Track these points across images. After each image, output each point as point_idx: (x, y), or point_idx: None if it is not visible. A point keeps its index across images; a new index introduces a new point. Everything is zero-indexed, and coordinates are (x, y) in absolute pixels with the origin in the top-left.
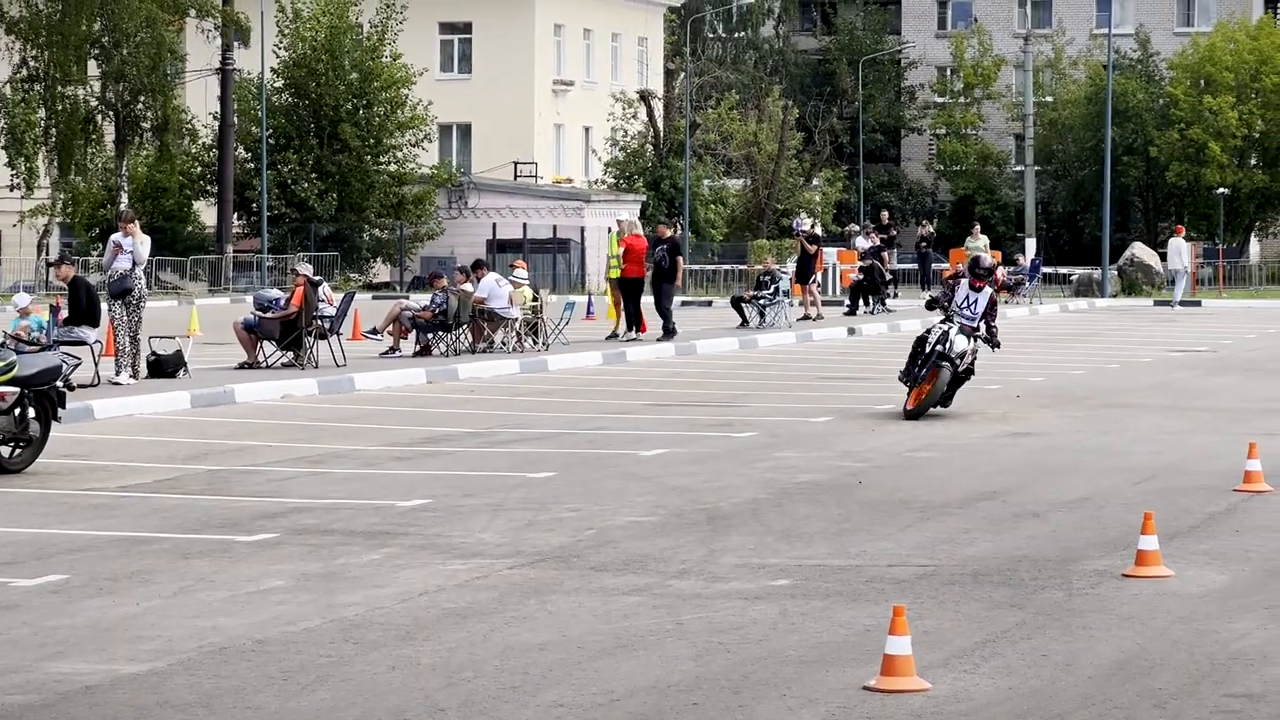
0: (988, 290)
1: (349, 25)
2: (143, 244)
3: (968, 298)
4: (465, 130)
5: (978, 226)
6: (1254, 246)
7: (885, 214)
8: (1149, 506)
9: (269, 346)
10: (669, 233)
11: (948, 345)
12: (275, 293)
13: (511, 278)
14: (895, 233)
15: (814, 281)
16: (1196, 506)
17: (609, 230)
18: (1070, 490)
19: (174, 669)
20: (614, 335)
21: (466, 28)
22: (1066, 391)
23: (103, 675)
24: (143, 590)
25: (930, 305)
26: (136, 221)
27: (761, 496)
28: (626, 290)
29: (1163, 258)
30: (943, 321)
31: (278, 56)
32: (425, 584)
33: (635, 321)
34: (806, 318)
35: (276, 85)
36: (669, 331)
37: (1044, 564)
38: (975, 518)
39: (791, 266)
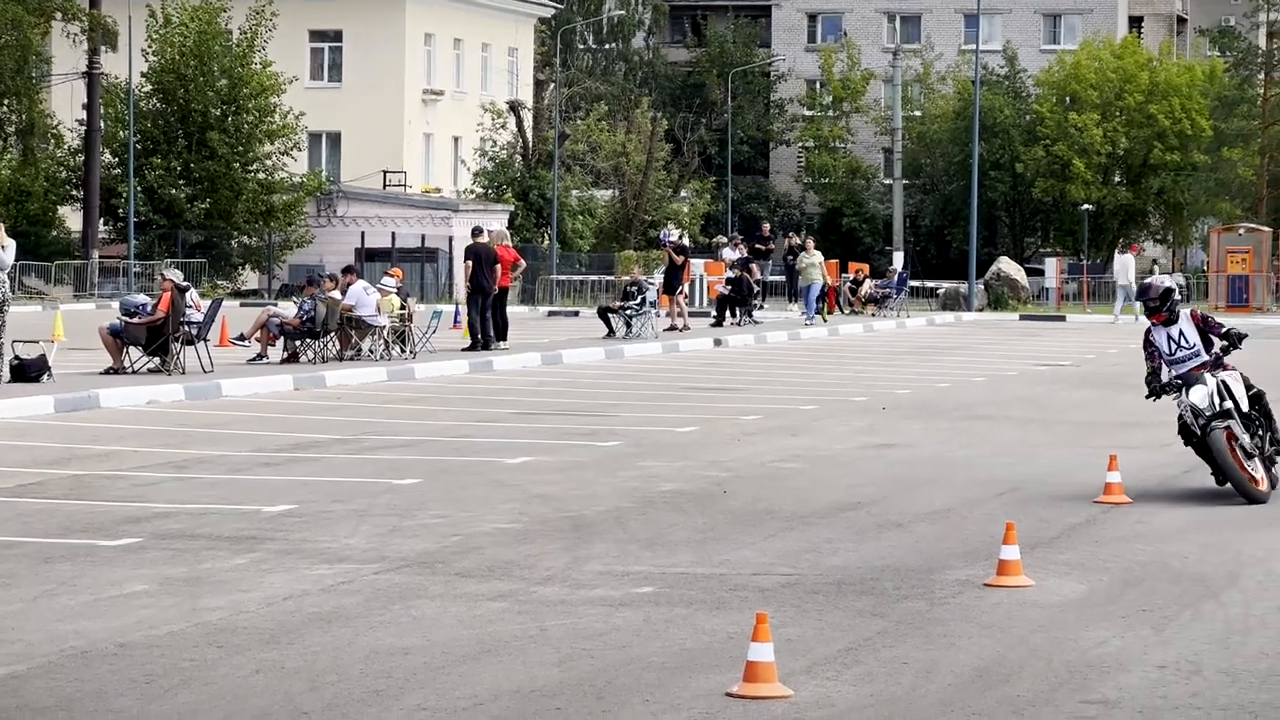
0: (1180, 311)
1: (218, 31)
2: (6, 248)
3: (1171, 338)
4: (335, 139)
5: (810, 241)
6: (1117, 262)
7: (767, 226)
8: (1011, 517)
9: (135, 352)
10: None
11: (1219, 401)
12: (142, 298)
13: (380, 285)
14: (772, 246)
15: (681, 292)
16: (1057, 518)
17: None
18: (933, 501)
19: (34, 672)
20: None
21: (337, 36)
22: (931, 404)
23: None
24: (3, 594)
25: (1155, 393)
26: (0, 225)
27: (626, 505)
28: (497, 300)
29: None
30: (1178, 391)
31: (146, 61)
32: (290, 589)
33: (501, 332)
34: (674, 328)
35: (144, 90)
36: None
37: (907, 573)
38: (839, 528)
39: (659, 277)
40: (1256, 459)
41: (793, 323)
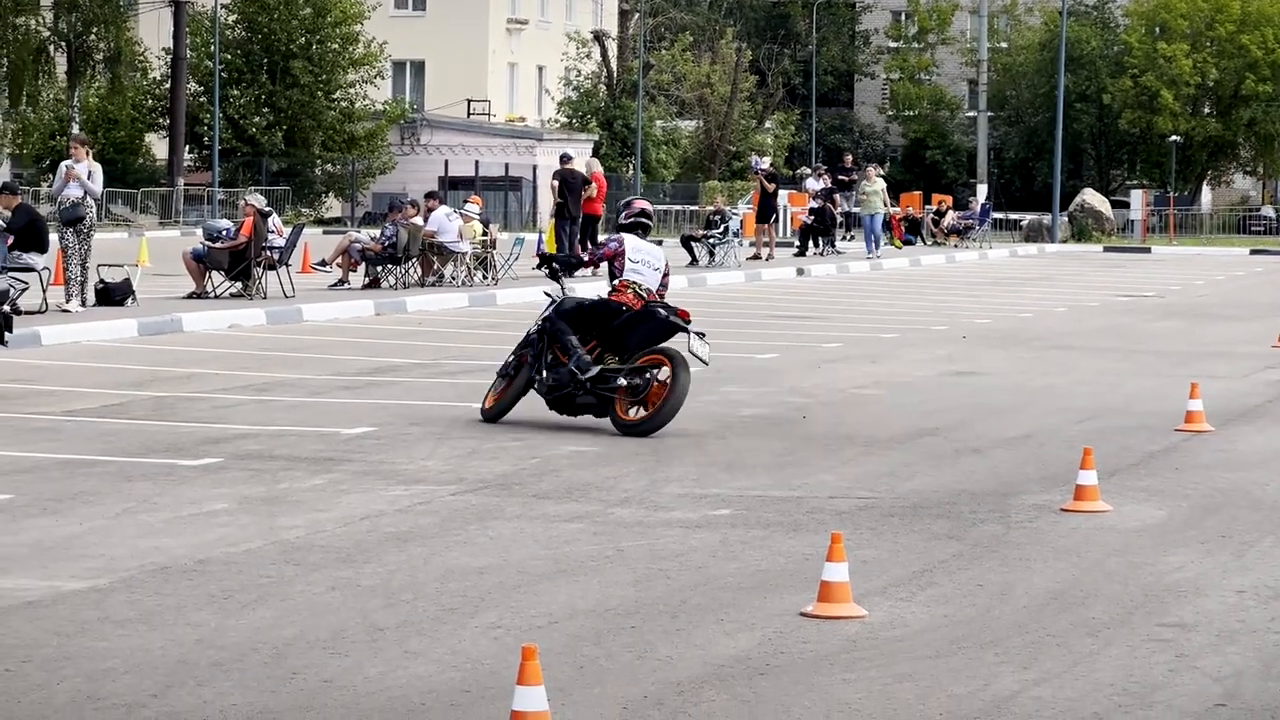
0: None
1: None
2: (94, 176)
3: None
4: (419, 67)
5: (872, 168)
6: (1205, 195)
7: (849, 157)
8: (1090, 444)
9: (217, 277)
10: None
11: None
12: (225, 223)
13: (462, 211)
14: (856, 176)
15: (771, 220)
16: (1137, 445)
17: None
18: (1012, 428)
19: (115, 586)
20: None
21: None
22: (1013, 333)
23: (45, 591)
24: (86, 511)
25: None
26: (88, 147)
27: (705, 429)
28: (590, 227)
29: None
30: None
31: None
32: (367, 509)
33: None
34: (757, 257)
35: (229, 20)
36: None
37: (983, 498)
38: (917, 453)
39: (743, 207)
40: None
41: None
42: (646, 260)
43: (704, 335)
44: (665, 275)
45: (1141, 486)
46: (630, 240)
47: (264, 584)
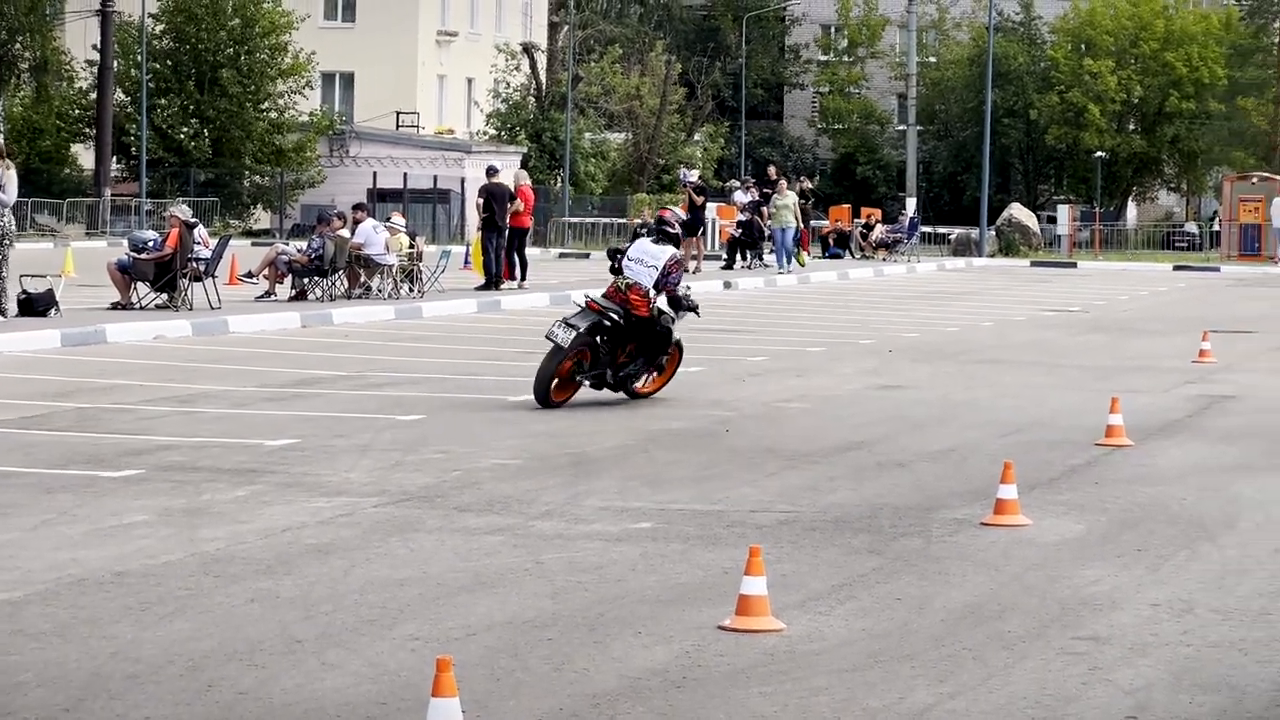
0: None
1: None
2: (8, 182)
3: None
4: (348, 79)
5: (783, 180)
6: (1131, 210)
7: (773, 169)
8: (1012, 458)
9: (143, 288)
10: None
11: None
12: (150, 234)
13: (389, 223)
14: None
15: (699, 234)
16: (1058, 459)
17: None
18: (936, 442)
19: (30, 599)
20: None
21: None
22: (939, 348)
23: None
24: (2, 523)
25: None
26: (6, 159)
27: (628, 443)
28: (517, 240)
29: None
30: None
31: (157, 1)
32: (289, 520)
33: (522, 272)
34: (697, 270)
35: (157, 29)
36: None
37: (905, 512)
38: (840, 466)
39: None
40: None
41: (803, 266)
42: (641, 259)
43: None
44: (667, 271)
45: (1061, 500)
46: (636, 243)
47: (182, 596)
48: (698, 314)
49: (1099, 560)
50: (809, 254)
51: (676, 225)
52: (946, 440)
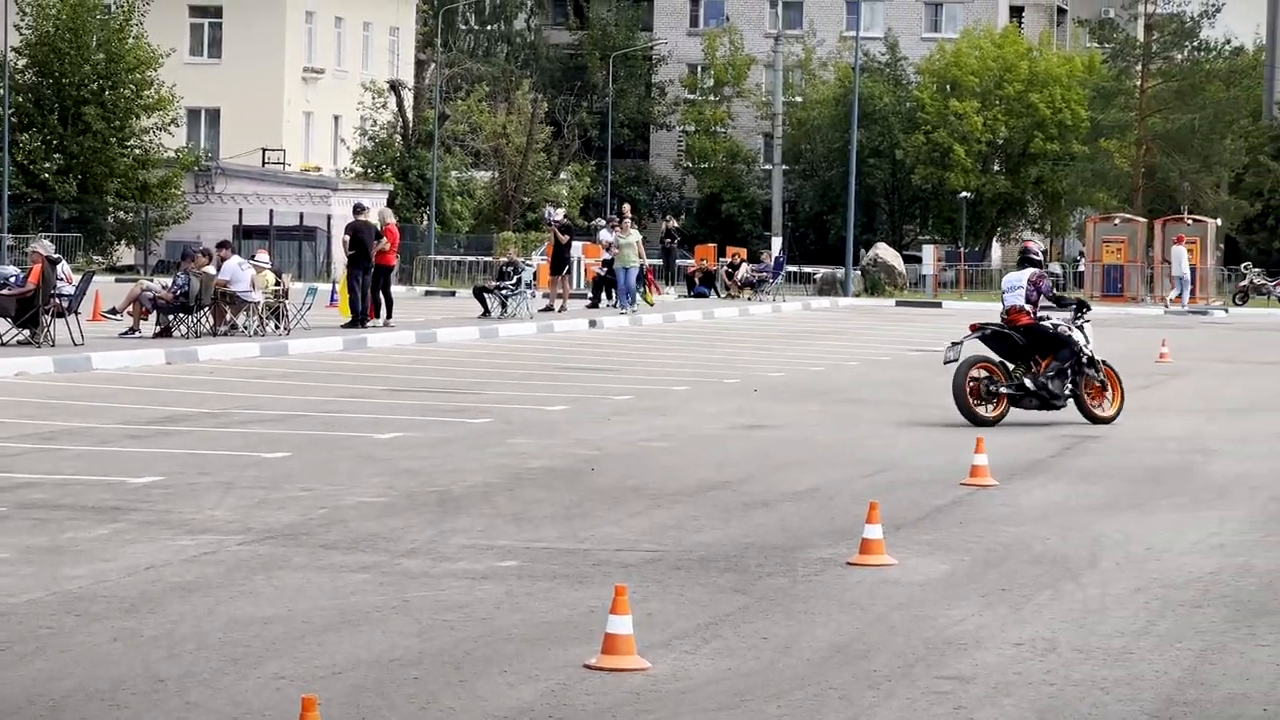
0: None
1: (95, 4)
2: None
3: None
4: (214, 115)
5: (628, 219)
6: (995, 250)
7: (627, 207)
8: (877, 498)
9: (4, 324)
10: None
11: None
12: (12, 269)
13: (255, 260)
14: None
15: (565, 272)
16: (923, 499)
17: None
18: (801, 481)
19: None
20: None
21: (217, 12)
22: (804, 387)
23: None
24: None
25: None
26: None
27: (494, 481)
28: (382, 277)
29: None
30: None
31: (20, 35)
32: (153, 558)
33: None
34: (550, 309)
35: (19, 64)
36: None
37: (770, 551)
38: (705, 506)
39: (536, 258)
40: None
41: (668, 305)
42: (1009, 289)
43: None
44: (1034, 284)
45: (926, 540)
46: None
47: (43, 635)
48: (1088, 306)
49: (964, 600)
50: (661, 293)
51: (1038, 252)
52: (811, 480)
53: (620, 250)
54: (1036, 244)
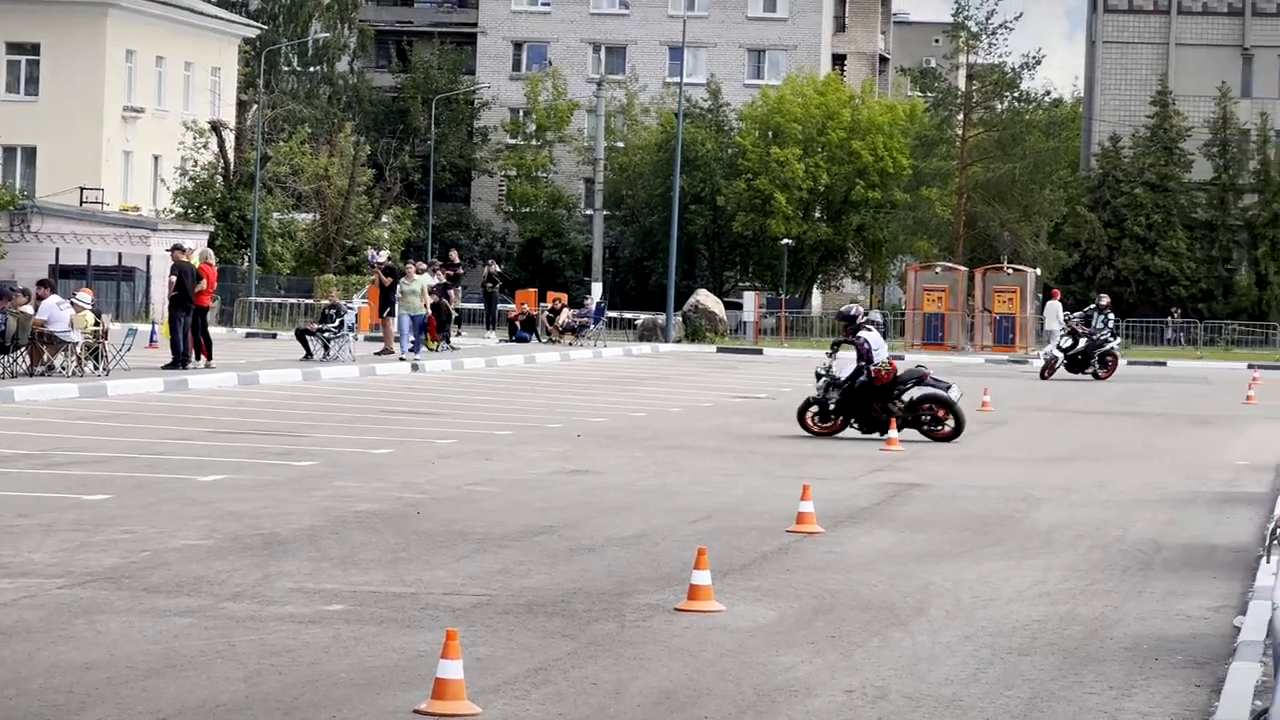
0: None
1: None
2: None
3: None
4: (30, 153)
5: (411, 265)
6: (816, 298)
7: (454, 252)
8: (703, 544)
9: None
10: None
11: None
12: None
13: (74, 300)
14: (461, 271)
15: (389, 315)
16: (750, 545)
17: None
18: (626, 527)
19: None
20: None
21: (35, 49)
22: (627, 433)
23: None
24: None
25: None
26: None
27: (319, 524)
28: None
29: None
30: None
31: None
32: None
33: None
34: (389, 351)
35: None
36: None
37: (598, 596)
38: (531, 550)
39: (358, 301)
40: None
41: (489, 350)
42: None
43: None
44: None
45: (754, 586)
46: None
47: None
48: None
49: (793, 646)
50: (437, 339)
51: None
52: (637, 525)
53: (404, 296)
54: (854, 305)
